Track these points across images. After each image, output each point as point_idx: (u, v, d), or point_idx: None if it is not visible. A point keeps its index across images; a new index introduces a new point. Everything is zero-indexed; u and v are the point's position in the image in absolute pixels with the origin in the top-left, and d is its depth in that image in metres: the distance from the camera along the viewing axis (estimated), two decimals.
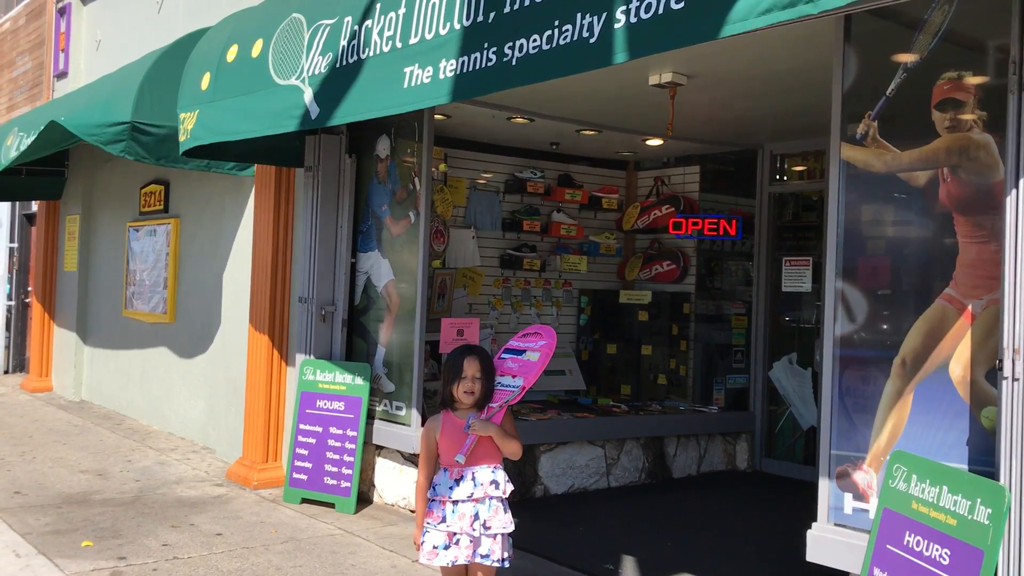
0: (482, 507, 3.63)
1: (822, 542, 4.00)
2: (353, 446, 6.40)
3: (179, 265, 9.19)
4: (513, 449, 3.71)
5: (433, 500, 3.68)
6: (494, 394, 3.75)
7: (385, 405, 6.57)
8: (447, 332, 6.40)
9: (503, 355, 3.92)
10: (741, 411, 8.26)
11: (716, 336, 8.49)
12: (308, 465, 6.56)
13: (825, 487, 4.05)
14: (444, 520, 3.62)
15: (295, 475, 6.61)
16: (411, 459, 6.36)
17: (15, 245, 13.14)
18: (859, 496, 3.93)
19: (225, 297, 7.89)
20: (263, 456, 7.05)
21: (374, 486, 6.68)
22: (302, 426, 6.66)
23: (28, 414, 9.98)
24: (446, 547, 3.60)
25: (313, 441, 6.58)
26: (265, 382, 7.05)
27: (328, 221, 6.82)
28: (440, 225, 7.47)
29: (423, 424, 6.25)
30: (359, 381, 6.49)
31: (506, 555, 3.70)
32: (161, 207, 9.47)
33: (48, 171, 11.18)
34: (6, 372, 13.10)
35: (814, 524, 4.06)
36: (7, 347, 13.17)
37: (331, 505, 6.43)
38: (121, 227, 10.34)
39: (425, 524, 3.68)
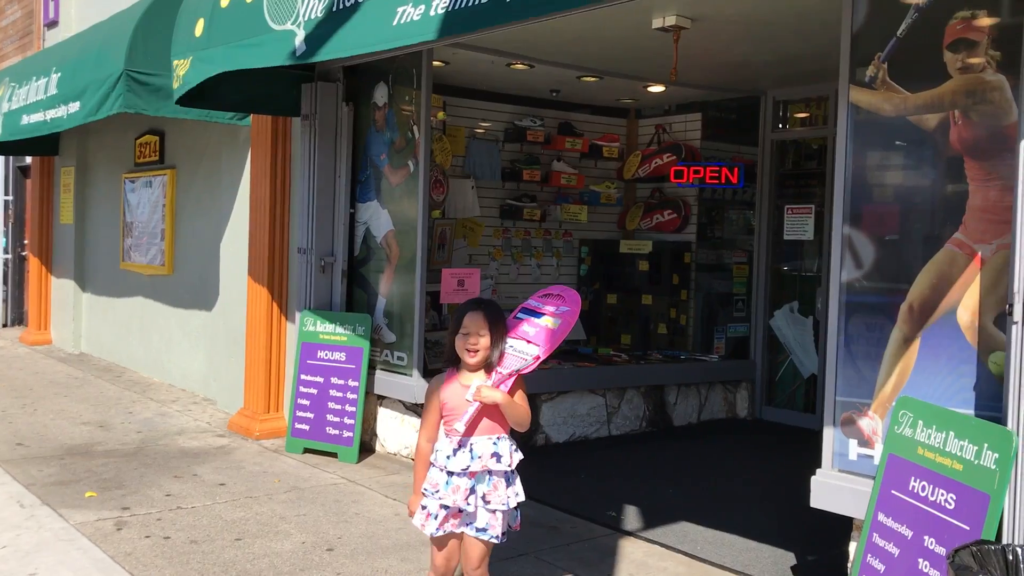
0: (480, 482, 3.31)
1: (826, 488, 4.00)
2: (355, 396, 6.39)
3: (176, 216, 9.11)
4: (520, 420, 3.34)
5: (433, 465, 3.38)
6: (504, 358, 3.36)
7: (386, 355, 6.55)
8: (448, 282, 6.36)
9: (519, 314, 3.54)
10: (742, 360, 8.26)
11: (717, 285, 8.46)
12: (310, 415, 6.56)
13: (830, 434, 4.04)
14: (439, 489, 3.31)
15: (297, 425, 6.62)
16: (413, 409, 6.37)
17: (10, 198, 13.04)
18: (864, 442, 3.93)
19: (223, 248, 7.83)
20: (264, 407, 7.05)
21: (376, 435, 6.69)
22: (303, 376, 6.65)
23: (28, 367, 9.98)
24: (436, 517, 3.32)
25: (315, 392, 6.57)
26: (265, 333, 7.02)
27: (326, 171, 6.74)
28: (439, 175, 7.39)
29: (424, 375, 6.26)
30: (360, 331, 6.46)
31: (505, 531, 3.38)
32: (156, 158, 9.36)
33: None
34: (5, 325, 13.08)
35: (818, 470, 4.06)
36: (5, 300, 13.14)
37: (333, 455, 6.44)
38: (117, 179, 10.24)
39: (423, 488, 3.38)
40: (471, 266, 7.74)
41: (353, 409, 6.38)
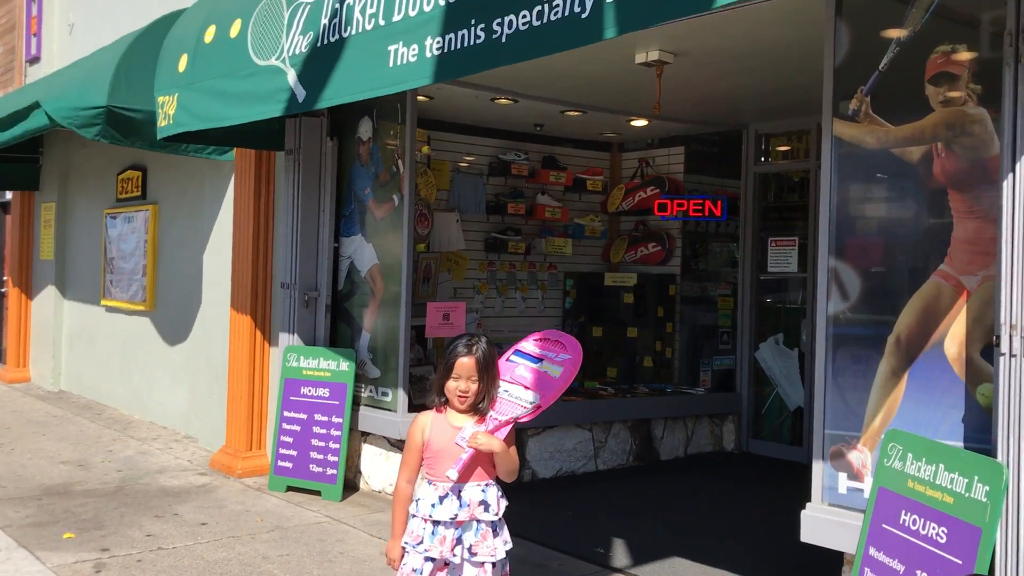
0: (467, 531, 3.14)
1: (816, 522, 3.97)
2: (339, 433, 6.32)
3: (158, 252, 9.05)
4: (512, 470, 3.20)
5: (414, 516, 3.17)
6: (498, 402, 3.22)
7: (371, 391, 6.49)
8: (433, 316, 6.33)
9: (514, 356, 3.42)
10: (728, 392, 8.24)
11: (702, 318, 8.46)
12: (293, 453, 6.48)
13: (819, 467, 4.01)
14: (422, 542, 3.13)
15: (280, 463, 6.53)
16: (397, 445, 6.30)
17: None
18: (854, 476, 3.90)
19: (206, 284, 7.77)
20: (247, 444, 6.96)
21: (360, 473, 6.61)
22: (286, 413, 6.57)
23: (6, 405, 9.83)
24: (421, 572, 3.12)
25: (298, 428, 6.49)
26: (248, 369, 6.95)
27: (310, 205, 6.71)
28: (424, 208, 7.38)
29: (410, 409, 6.20)
30: (344, 367, 6.40)
31: None
32: (139, 193, 9.31)
33: (22, 158, 10.98)
34: None
35: (808, 504, 4.03)
36: None
37: (317, 493, 6.35)
38: (98, 214, 10.18)
39: (403, 542, 3.18)
40: (456, 299, 7.71)
41: (337, 446, 6.30)
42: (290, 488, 6.46)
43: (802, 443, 7.79)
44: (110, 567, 4.80)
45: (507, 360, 3.42)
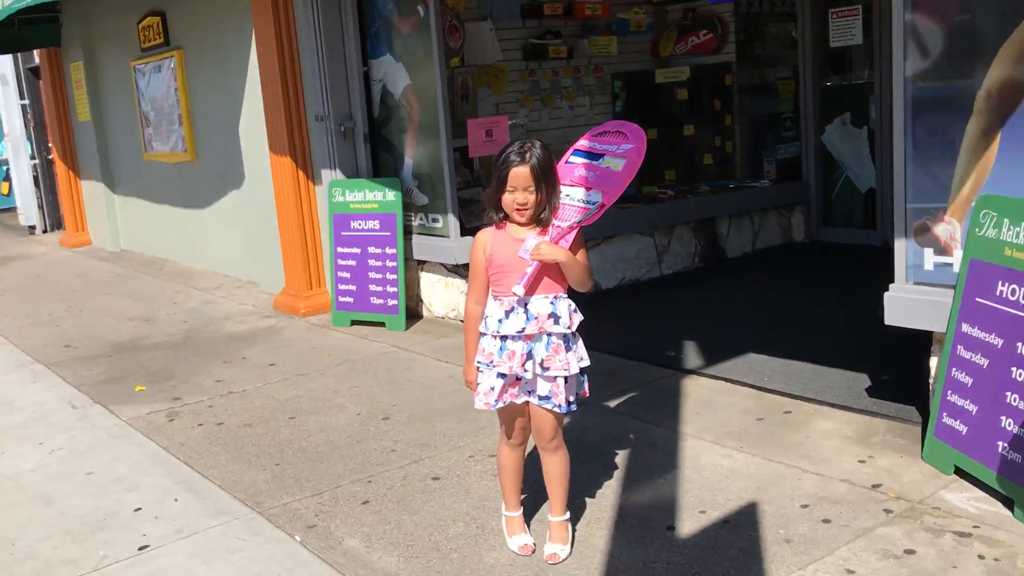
0: (537, 345, 2.92)
1: (901, 303, 3.71)
2: (394, 263, 6.18)
3: (190, 99, 8.77)
4: (582, 278, 2.95)
5: (484, 334, 2.98)
6: (560, 209, 2.95)
7: (421, 219, 6.29)
8: (475, 134, 6.01)
9: (572, 157, 3.12)
10: (794, 181, 7.85)
11: (762, 106, 7.98)
12: (352, 287, 6.39)
13: (902, 245, 3.71)
14: (493, 359, 2.94)
15: (341, 299, 6.46)
16: (455, 271, 6.14)
17: (26, 102, 12.76)
18: (941, 250, 3.60)
19: (242, 126, 7.52)
20: (306, 283, 6.89)
21: (422, 301, 6.51)
22: (339, 249, 6.44)
23: (71, 269, 9.95)
24: (494, 389, 2.95)
25: (353, 263, 6.37)
26: (295, 209, 6.78)
27: (332, 27, 6.31)
28: (453, 19, 6.89)
29: (462, 233, 6.00)
30: (390, 197, 6.19)
31: (572, 399, 3.00)
32: (161, 40, 8.95)
33: (41, 18, 10.62)
34: (45, 231, 13.06)
35: (891, 285, 3.76)
36: (41, 207, 13.06)
37: (381, 324, 6.30)
38: (126, 67, 9.88)
39: (477, 362, 3.00)
40: (498, 115, 7.33)
41: (394, 277, 6.18)
42: (354, 322, 6.41)
43: (876, 225, 7.45)
44: (182, 415, 4.82)
45: (566, 163, 3.12)
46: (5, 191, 15.59)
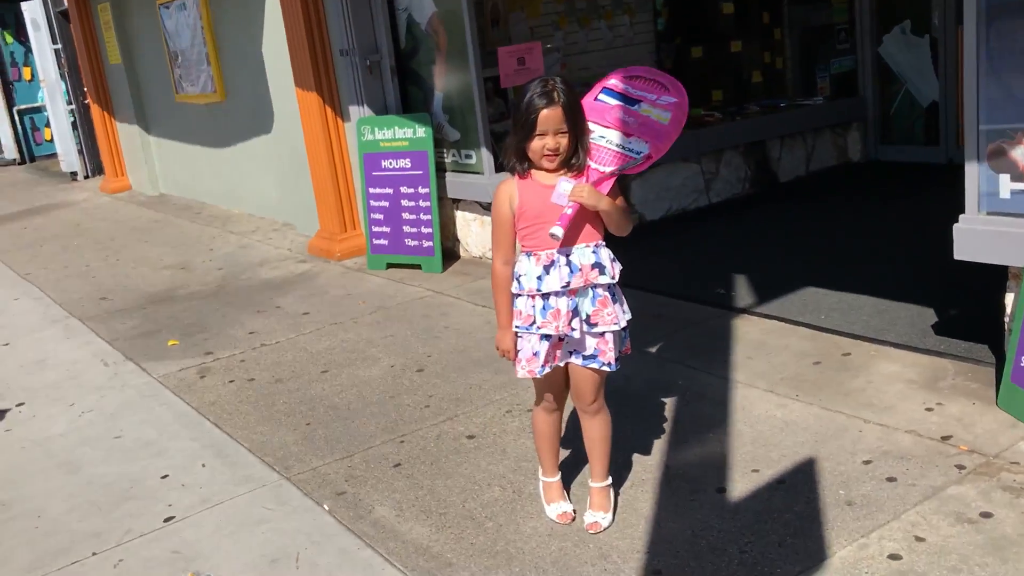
0: (582, 299, 2.66)
1: (973, 235, 3.37)
2: (428, 203, 5.93)
3: (216, 38, 8.51)
4: (623, 223, 2.68)
5: (519, 295, 2.70)
6: (595, 151, 2.67)
7: (454, 155, 6.01)
8: (506, 63, 5.67)
9: (603, 96, 2.80)
10: (850, 97, 7.38)
11: (814, 17, 7.46)
12: (386, 229, 6.17)
13: (973, 171, 3.35)
14: (535, 321, 2.67)
15: (375, 241, 6.25)
16: (490, 208, 5.87)
17: (59, 46, 12.60)
18: (1019, 176, 3.24)
19: (268, 64, 7.25)
20: (340, 226, 6.69)
21: (458, 241, 6.27)
22: (371, 190, 6.20)
23: (110, 216, 9.88)
24: (539, 354, 2.68)
25: (386, 204, 6.14)
26: (325, 149, 6.54)
27: None
28: None
29: (497, 170, 5.71)
30: (421, 133, 5.91)
31: (617, 356, 2.76)
32: None
33: None
34: (87, 176, 13.02)
35: (961, 216, 3.41)
36: (81, 152, 13.00)
37: (417, 267, 6.08)
38: (152, 7, 9.62)
39: (516, 327, 2.72)
40: (532, 40, 6.95)
41: (428, 217, 5.94)
42: (390, 265, 6.21)
43: (939, 142, 6.98)
44: (214, 370, 4.69)
45: (594, 100, 2.81)
46: (48, 137, 15.56)
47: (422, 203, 5.95)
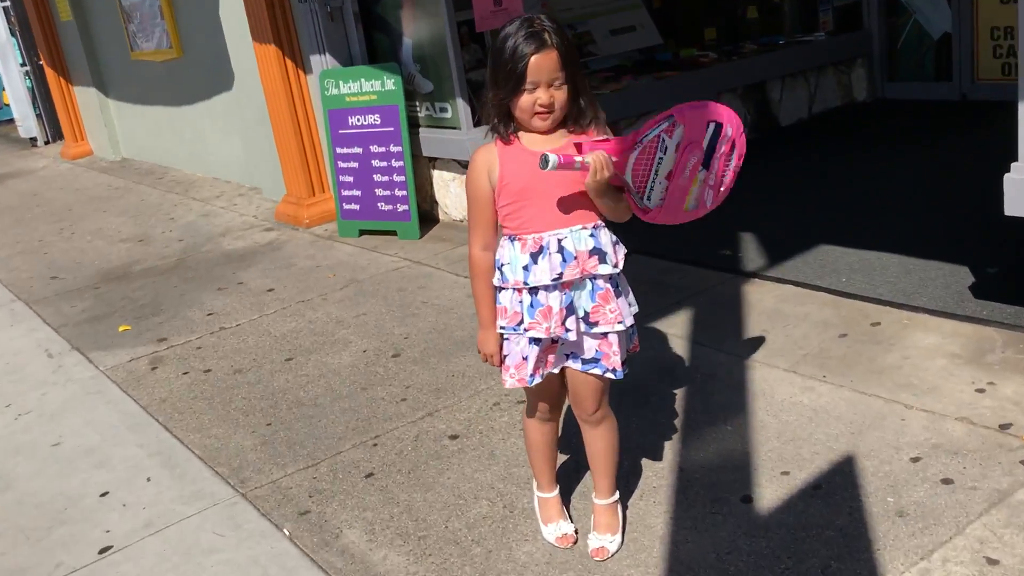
0: (580, 293, 2.17)
1: None
2: (401, 163, 5.42)
3: None
4: (625, 212, 2.18)
5: (503, 289, 2.21)
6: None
7: (427, 109, 5.48)
8: (480, 2, 5.12)
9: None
10: (854, 31, 6.85)
11: None
12: (357, 193, 5.66)
13: None
14: (522, 321, 2.18)
15: (345, 206, 5.74)
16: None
17: (7, 3, 11.85)
18: None
19: (223, 15, 6.65)
20: (308, 190, 6.17)
21: (436, 203, 5.77)
22: (339, 150, 5.68)
23: (69, 184, 9.29)
24: (528, 359, 2.20)
25: (355, 165, 5.62)
26: (288, 106, 5.99)
27: None
28: None
29: (475, 124, 5.19)
30: (390, 85, 5.36)
31: (624, 359, 2.28)
32: None
33: None
34: (46, 142, 12.36)
35: (1014, 165, 2.94)
36: (40, 116, 12.33)
37: (393, 233, 5.59)
38: None
39: (500, 327, 2.23)
40: None
41: (402, 178, 5.43)
42: (363, 232, 5.71)
43: (951, 77, 6.48)
44: (167, 360, 4.21)
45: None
46: (7, 101, 14.84)
47: (395, 163, 5.44)
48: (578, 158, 2.03)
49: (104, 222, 7.31)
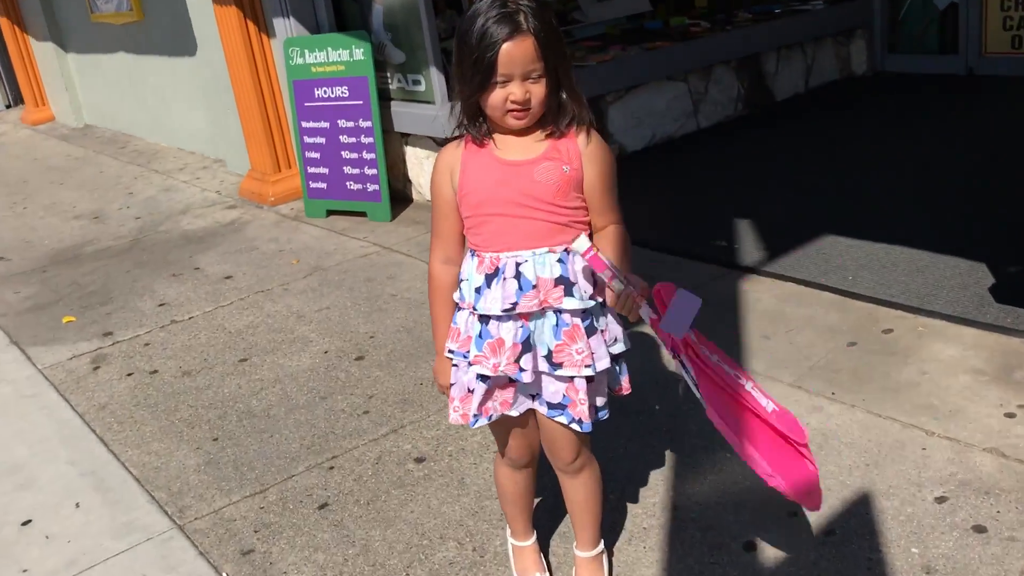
0: (540, 325, 1.80)
1: None
2: (371, 140, 5.03)
3: None
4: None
5: (460, 308, 1.89)
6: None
7: (399, 81, 5.08)
8: None
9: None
10: (853, 1, 6.47)
11: None
12: (324, 171, 5.27)
13: None
14: (469, 350, 1.85)
15: (312, 184, 5.36)
16: (447, 143, 4.98)
17: None
18: None
19: None
20: (273, 165, 5.78)
21: (409, 181, 5.39)
22: (304, 124, 5.28)
23: (27, 152, 8.83)
24: (473, 393, 1.87)
25: (322, 140, 5.23)
26: (251, 75, 5.58)
27: None
28: None
29: (451, 97, 4.79)
30: (359, 55, 4.96)
31: (600, 403, 1.91)
32: None
33: None
34: (8, 106, 11.84)
35: None
36: (0, 79, 11.79)
37: (362, 214, 5.22)
38: None
39: (449, 351, 1.91)
40: None
41: (372, 156, 5.05)
42: (331, 212, 5.34)
43: (957, 49, 6.13)
44: (111, 359, 3.85)
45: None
46: None
47: (364, 139, 5.05)
48: (608, 276, 1.69)
49: (59, 195, 6.89)
